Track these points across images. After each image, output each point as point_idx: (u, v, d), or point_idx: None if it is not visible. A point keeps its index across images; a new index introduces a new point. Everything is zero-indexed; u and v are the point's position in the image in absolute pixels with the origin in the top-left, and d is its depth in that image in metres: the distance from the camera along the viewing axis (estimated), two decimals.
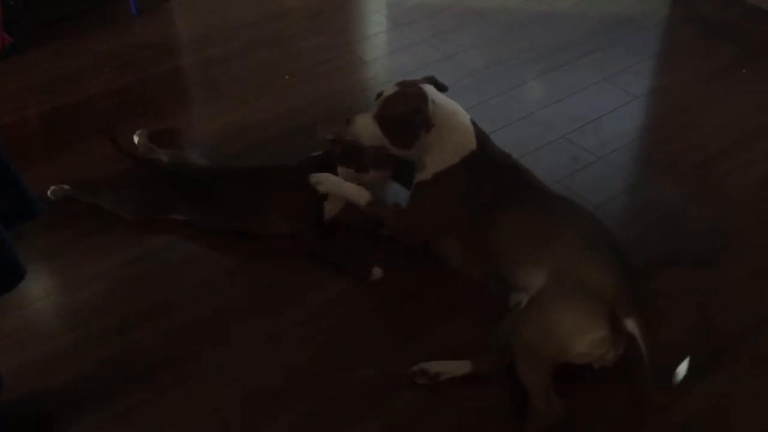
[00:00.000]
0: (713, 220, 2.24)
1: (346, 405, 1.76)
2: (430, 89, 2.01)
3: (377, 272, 2.03)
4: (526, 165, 2.33)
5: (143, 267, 2.09)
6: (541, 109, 2.63)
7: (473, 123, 2.04)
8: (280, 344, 1.90)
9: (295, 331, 1.93)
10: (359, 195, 2.05)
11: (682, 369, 1.66)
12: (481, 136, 2.03)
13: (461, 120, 2.01)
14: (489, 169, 1.98)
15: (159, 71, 2.87)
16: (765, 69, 2.87)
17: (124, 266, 2.09)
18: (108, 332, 1.91)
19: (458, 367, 1.79)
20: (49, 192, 2.23)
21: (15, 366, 1.78)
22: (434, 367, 1.79)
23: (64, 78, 2.81)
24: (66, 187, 2.26)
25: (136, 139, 2.43)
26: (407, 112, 1.94)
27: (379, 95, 2.04)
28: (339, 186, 2.08)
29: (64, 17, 3.10)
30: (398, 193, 2.21)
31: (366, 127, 2.00)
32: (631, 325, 1.67)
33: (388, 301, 2.01)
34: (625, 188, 2.37)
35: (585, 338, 1.67)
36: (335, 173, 2.11)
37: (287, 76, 2.81)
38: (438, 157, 1.98)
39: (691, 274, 2.07)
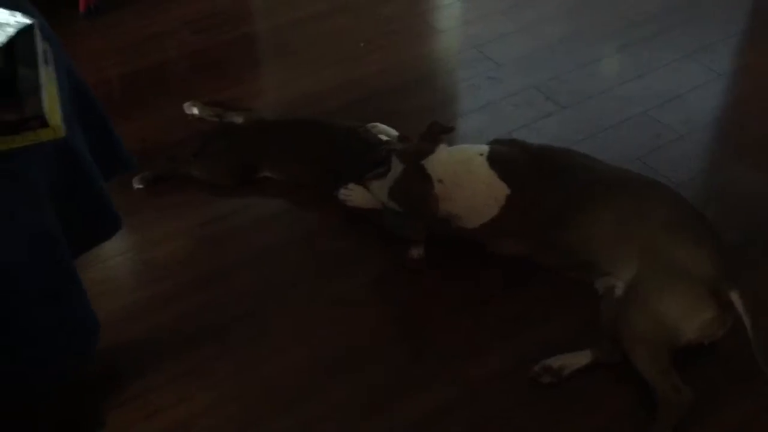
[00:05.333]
0: None
1: (417, 373, 1.77)
2: (438, 156, 1.92)
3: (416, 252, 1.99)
4: (605, 141, 2.33)
5: (217, 228, 2.12)
6: (621, 85, 2.56)
7: (496, 153, 1.92)
8: (346, 310, 1.91)
9: (361, 297, 1.94)
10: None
11: None
12: (512, 168, 1.90)
13: (479, 175, 1.90)
14: (543, 187, 1.88)
15: (234, 36, 2.89)
16: None
17: (199, 226, 2.13)
18: (182, 289, 1.96)
19: (579, 359, 1.73)
20: (135, 181, 2.21)
21: None
22: (555, 361, 1.73)
23: (144, 40, 2.86)
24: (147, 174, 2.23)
25: (193, 109, 2.44)
26: (414, 201, 1.90)
27: (385, 153, 2.01)
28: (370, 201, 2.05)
29: None
30: None
31: (383, 196, 1.98)
32: (735, 298, 1.63)
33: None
34: (705, 168, 2.30)
35: (695, 322, 1.64)
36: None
37: (362, 44, 2.80)
38: (474, 217, 1.92)
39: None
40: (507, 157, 1.93)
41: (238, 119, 2.38)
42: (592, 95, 2.51)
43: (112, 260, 2.04)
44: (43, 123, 0.98)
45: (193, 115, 2.47)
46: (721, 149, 2.38)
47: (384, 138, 2.15)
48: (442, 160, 1.93)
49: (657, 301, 1.67)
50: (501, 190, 1.88)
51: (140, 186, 2.22)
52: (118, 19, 2.94)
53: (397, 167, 1.96)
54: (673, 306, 1.65)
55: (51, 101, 1.01)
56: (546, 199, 1.87)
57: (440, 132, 2.11)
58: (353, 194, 2.03)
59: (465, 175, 1.91)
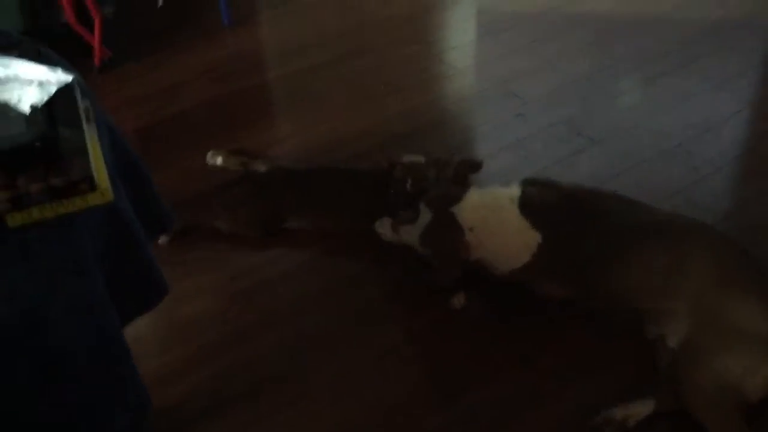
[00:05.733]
0: None
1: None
2: (468, 203, 1.87)
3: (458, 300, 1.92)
4: (641, 176, 2.26)
5: (246, 282, 2.04)
6: (652, 117, 2.50)
7: (528, 197, 1.85)
8: (386, 366, 1.82)
9: (400, 351, 1.85)
10: None
11: None
12: (544, 215, 1.82)
13: (511, 224, 1.83)
14: (577, 235, 1.79)
15: (252, 83, 2.86)
16: None
17: (228, 281, 2.05)
18: (213, 349, 1.87)
19: (642, 408, 1.63)
20: (159, 241, 2.12)
21: None
22: (618, 412, 1.62)
23: (160, 91, 2.82)
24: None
25: (216, 159, 2.37)
26: (445, 249, 1.87)
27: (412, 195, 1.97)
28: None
29: (159, 30, 3.13)
30: None
31: (413, 241, 1.93)
32: None
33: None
34: (743, 200, 2.22)
35: (758, 379, 1.54)
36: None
37: (382, 86, 2.75)
38: (506, 263, 1.85)
39: None
40: (539, 203, 1.86)
41: (262, 168, 2.32)
42: (624, 129, 2.45)
43: (141, 320, 1.94)
44: (92, 186, 0.91)
45: (216, 165, 2.40)
46: (760, 181, 2.31)
47: (410, 159, 2.09)
48: (473, 206, 1.87)
49: (715, 361, 1.57)
50: (533, 238, 1.81)
51: (165, 240, 2.15)
52: (133, 70, 2.91)
53: (425, 214, 1.89)
54: (732, 366, 1.55)
55: (97, 162, 0.94)
56: (580, 246, 1.79)
57: (469, 170, 2.05)
58: (388, 229, 1.98)
59: (496, 223, 1.85)
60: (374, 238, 2.02)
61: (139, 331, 1.90)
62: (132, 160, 1.34)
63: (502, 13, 3.17)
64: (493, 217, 1.85)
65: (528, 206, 1.84)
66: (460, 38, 3.11)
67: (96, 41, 2.84)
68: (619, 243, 1.75)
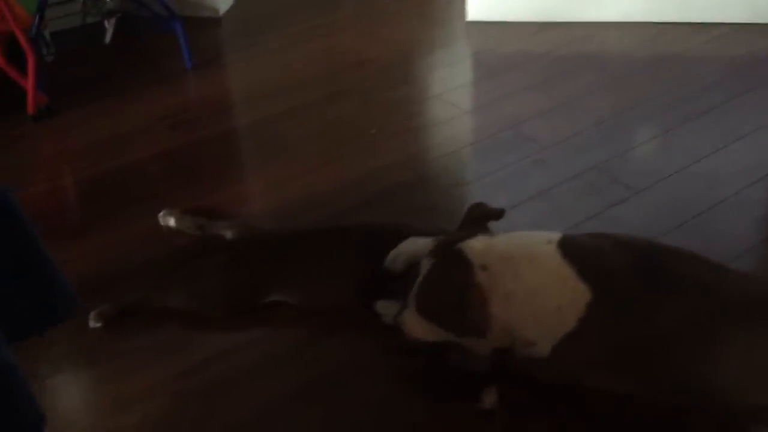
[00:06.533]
0: None
1: None
2: (481, 240, 1.42)
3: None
4: (698, 231, 1.83)
5: (205, 377, 1.55)
6: (698, 161, 2.07)
7: (571, 240, 1.39)
8: None
9: None
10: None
11: None
12: (597, 264, 1.35)
13: (546, 266, 1.36)
14: (647, 302, 1.31)
15: (216, 132, 2.41)
16: None
17: (180, 377, 1.55)
18: None
19: None
20: (92, 319, 1.66)
21: None
22: None
23: (107, 141, 2.37)
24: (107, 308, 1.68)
25: (169, 220, 1.93)
26: (450, 303, 1.38)
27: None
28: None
29: (108, 73, 2.69)
30: None
31: (419, 326, 1.44)
32: None
33: None
34: None
35: None
36: None
37: (372, 131, 2.32)
38: (540, 332, 1.35)
39: None
40: (588, 248, 1.39)
41: (227, 232, 1.86)
42: (667, 176, 2.02)
43: None
44: None
45: (169, 228, 1.94)
46: None
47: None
48: (488, 244, 1.40)
49: None
50: (579, 292, 1.31)
51: (98, 324, 1.66)
52: (75, 119, 2.46)
53: (424, 267, 1.43)
54: None
55: None
56: (649, 318, 1.31)
57: (485, 217, 1.57)
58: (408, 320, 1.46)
59: (524, 263, 1.36)
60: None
61: None
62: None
63: (501, 54, 2.78)
64: (521, 255, 1.37)
65: (572, 250, 1.36)
66: (459, 79, 2.70)
67: (30, 85, 2.40)
68: (712, 319, 1.28)
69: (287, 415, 1.46)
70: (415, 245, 1.51)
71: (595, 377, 1.39)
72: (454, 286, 1.37)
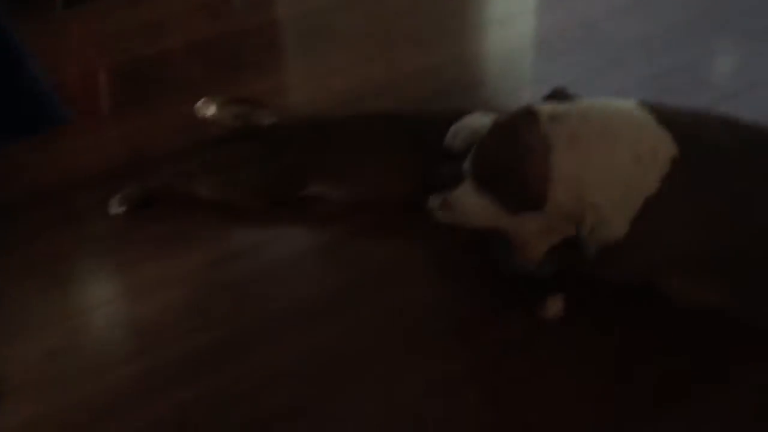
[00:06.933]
0: None
1: None
2: (551, 106, 1.20)
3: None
4: None
5: (233, 270, 1.42)
6: None
7: (647, 103, 1.19)
8: (440, 400, 1.18)
9: (460, 384, 1.21)
10: None
11: None
12: (681, 121, 1.16)
13: (622, 113, 1.16)
14: (741, 180, 1.13)
15: (255, 23, 2.23)
16: None
17: (207, 267, 1.42)
18: (184, 365, 1.25)
19: None
20: (112, 204, 1.53)
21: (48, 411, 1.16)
22: None
23: (143, 27, 2.20)
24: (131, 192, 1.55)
25: (209, 109, 1.76)
26: (509, 160, 1.16)
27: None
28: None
29: None
30: None
31: (472, 203, 1.24)
32: None
33: None
34: None
35: None
36: None
37: (420, 29, 2.11)
38: (615, 199, 1.14)
39: None
40: (667, 108, 1.19)
41: (270, 120, 1.69)
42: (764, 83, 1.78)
43: (82, 317, 1.33)
44: None
45: (205, 118, 1.78)
46: None
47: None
48: (561, 109, 1.19)
49: None
50: (661, 140, 1.11)
51: (120, 210, 1.52)
52: (108, 6, 2.28)
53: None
54: None
55: None
56: (745, 209, 1.11)
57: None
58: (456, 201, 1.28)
59: (595, 110, 1.16)
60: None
61: (78, 335, 1.31)
62: None
63: None
64: (594, 106, 1.17)
65: (654, 107, 1.17)
66: None
67: None
68: None
69: (322, 318, 1.31)
70: (480, 120, 1.32)
71: (681, 277, 1.19)
72: (514, 137, 1.17)
